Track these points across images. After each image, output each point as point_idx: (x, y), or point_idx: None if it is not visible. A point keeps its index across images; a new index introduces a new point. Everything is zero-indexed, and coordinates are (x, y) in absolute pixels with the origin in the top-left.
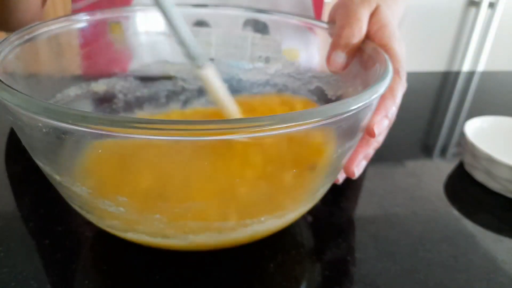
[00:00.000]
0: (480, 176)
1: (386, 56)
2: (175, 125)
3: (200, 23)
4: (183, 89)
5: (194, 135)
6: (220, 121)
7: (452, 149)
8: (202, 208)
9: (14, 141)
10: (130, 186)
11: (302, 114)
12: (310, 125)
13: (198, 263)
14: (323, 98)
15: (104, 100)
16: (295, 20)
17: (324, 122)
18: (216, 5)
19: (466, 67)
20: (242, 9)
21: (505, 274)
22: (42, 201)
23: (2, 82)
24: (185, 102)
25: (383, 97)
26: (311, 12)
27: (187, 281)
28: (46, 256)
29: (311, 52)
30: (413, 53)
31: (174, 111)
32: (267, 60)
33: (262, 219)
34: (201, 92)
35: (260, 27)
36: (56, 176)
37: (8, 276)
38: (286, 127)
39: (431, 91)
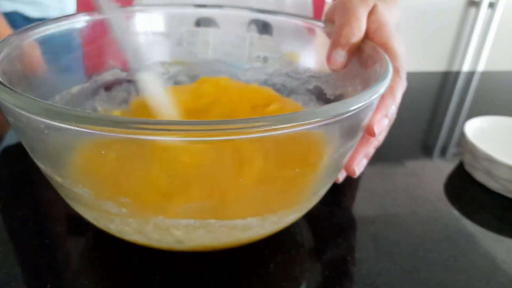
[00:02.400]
0: (480, 176)
1: (386, 56)
2: (176, 125)
3: (205, 20)
4: None
5: (195, 136)
6: (221, 121)
7: (452, 149)
8: (204, 208)
9: (14, 141)
10: (132, 186)
11: (303, 114)
12: (311, 125)
13: (198, 263)
14: (322, 98)
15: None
16: (295, 20)
17: (324, 122)
18: (220, 5)
19: (466, 67)
20: (246, 9)
21: (505, 274)
22: (42, 201)
23: (2, 83)
24: None
25: (383, 97)
26: (311, 13)
27: (187, 281)
28: (46, 256)
29: (310, 52)
30: (413, 53)
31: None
32: (265, 60)
33: (263, 218)
34: None
35: (263, 27)
36: (57, 178)
37: (8, 276)
38: (287, 127)
39: (431, 91)
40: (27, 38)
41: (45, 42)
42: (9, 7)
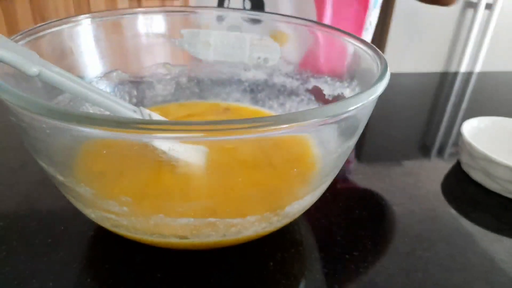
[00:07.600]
0: (477, 176)
1: (384, 56)
2: (177, 126)
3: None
4: (182, 91)
5: (195, 136)
6: (222, 121)
7: (449, 149)
8: (204, 207)
9: (14, 141)
10: (133, 186)
11: (302, 114)
12: (310, 126)
13: (199, 262)
14: (321, 98)
15: None
16: (297, 22)
17: (323, 122)
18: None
19: (463, 68)
20: (246, 11)
21: (503, 273)
22: (44, 201)
23: (5, 83)
24: (184, 102)
25: None
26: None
27: (188, 279)
28: (48, 255)
29: (310, 51)
30: (411, 53)
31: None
32: (265, 61)
33: (262, 217)
34: (201, 95)
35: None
36: (59, 177)
37: (10, 275)
38: (287, 127)
39: (429, 92)
40: (29, 40)
41: (48, 43)
42: None
